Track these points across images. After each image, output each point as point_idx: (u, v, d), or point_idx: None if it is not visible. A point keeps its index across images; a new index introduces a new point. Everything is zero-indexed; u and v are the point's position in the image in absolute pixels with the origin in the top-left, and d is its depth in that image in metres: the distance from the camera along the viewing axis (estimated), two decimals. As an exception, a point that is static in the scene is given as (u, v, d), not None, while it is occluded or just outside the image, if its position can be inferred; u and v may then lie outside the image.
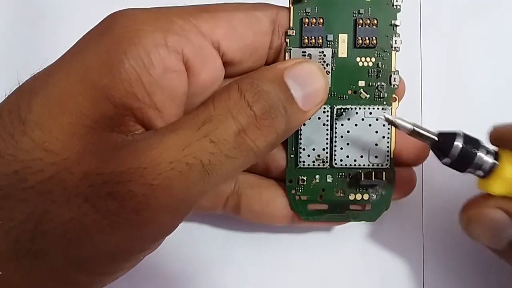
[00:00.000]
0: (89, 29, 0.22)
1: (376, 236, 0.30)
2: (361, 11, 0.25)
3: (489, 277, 0.29)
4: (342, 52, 0.25)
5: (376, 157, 0.26)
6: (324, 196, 0.26)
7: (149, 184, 0.19)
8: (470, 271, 0.28)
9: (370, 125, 0.25)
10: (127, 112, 0.20)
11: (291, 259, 0.30)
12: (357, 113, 0.25)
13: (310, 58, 0.25)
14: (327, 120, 0.25)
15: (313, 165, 0.26)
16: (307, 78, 0.22)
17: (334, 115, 0.25)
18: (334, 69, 0.25)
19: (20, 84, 0.21)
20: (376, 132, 0.25)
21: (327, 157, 0.26)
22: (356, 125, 0.25)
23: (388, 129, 0.25)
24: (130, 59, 0.20)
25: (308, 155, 0.26)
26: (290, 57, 0.25)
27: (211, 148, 0.20)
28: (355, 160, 0.26)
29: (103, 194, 0.18)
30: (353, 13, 0.25)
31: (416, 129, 0.23)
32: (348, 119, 0.25)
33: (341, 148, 0.26)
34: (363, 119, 0.25)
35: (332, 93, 0.26)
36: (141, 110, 0.20)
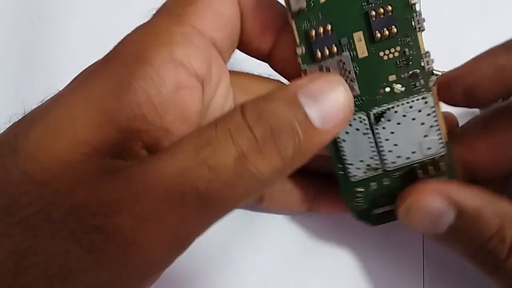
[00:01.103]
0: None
1: (376, 237, 0.29)
2: (370, 0, 0.22)
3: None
4: (362, 52, 0.22)
5: (429, 148, 0.24)
6: (385, 199, 0.25)
7: (139, 217, 0.17)
8: (470, 271, 0.27)
9: (413, 119, 0.23)
10: (134, 135, 0.19)
11: (291, 259, 0.30)
12: (396, 111, 0.23)
13: (330, 71, 0.23)
14: (367, 129, 0.23)
15: (366, 175, 0.24)
16: (325, 92, 0.20)
17: (373, 121, 0.23)
18: (358, 73, 0.23)
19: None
20: (422, 123, 0.23)
21: (377, 163, 0.24)
22: (398, 123, 0.23)
23: (434, 116, 0.23)
24: (139, 79, 0.19)
25: (358, 168, 0.24)
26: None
27: (209, 174, 0.18)
28: (408, 158, 0.24)
29: (88, 228, 0.17)
30: (362, 5, 0.22)
31: None
32: (389, 121, 0.23)
33: (390, 151, 0.24)
34: (404, 115, 0.23)
35: (363, 98, 0.23)
36: (149, 132, 0.19)
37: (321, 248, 0.30)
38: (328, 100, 0.20)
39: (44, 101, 0.20)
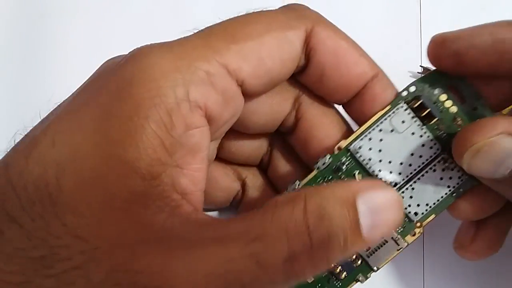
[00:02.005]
0: (104, 70, 0.20)
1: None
2: None
3: (489, 277, 0.29)
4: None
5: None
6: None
7: None
8: (471, 271, 0.28)
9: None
10: (157, 181, 0.19)
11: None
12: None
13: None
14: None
15: None
16: (383, 207, 0.19)
17: None
18: None
19: (30, 130, 0.20)
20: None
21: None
22: None
23: None
24: (151, 123, 0.19)
25: None
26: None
27: (256, 270, 0.17)
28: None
29: None
30: None
31: None
32: None
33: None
34: None
35: None
36: (166, 173, 0.19)
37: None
38: (382, 216, 0.19)
39: (50, 119, 0.20)
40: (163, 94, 0.19)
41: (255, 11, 0.22)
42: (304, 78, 0.23)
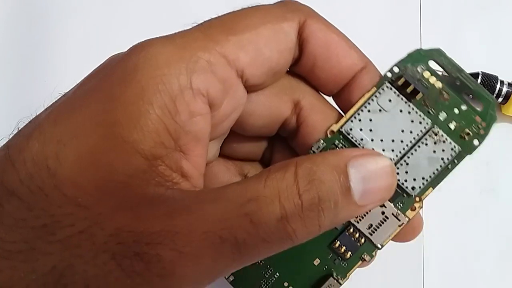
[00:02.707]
0: (109, 62, 0.21)
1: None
2: None
3: (489, 277, 0.29)
4: None
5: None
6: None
7: (179, 250, 0.18)
8: (471, 271, 0.28)
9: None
10: (158, 161, 0.20)
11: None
12: None
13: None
14: None
15: None
16: (374, 174, 0.21)
17: None
18: None
19: (34, 117, 0.20)
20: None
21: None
22: None
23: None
24: (156, 109, 0.19)
25: None
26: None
27: (250, 228, 0.19)
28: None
29: (130, 254, 0.18)
30: None
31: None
32: None
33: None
34: None
35: None
36: (168, 155, 0.20)
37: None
38: (374, 182, 0.21)
39: (54, 106, 0.20)
40: (167, 81, 0.20)
41: (251, 5, 0.23)
42: (297, 69, 0.24)
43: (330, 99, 0.25)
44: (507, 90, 0.36)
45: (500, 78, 0.35)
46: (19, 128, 0.21)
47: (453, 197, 0.33)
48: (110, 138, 0.19)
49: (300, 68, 0.24)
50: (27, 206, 0.18)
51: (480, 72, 0.35)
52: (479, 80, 0.35)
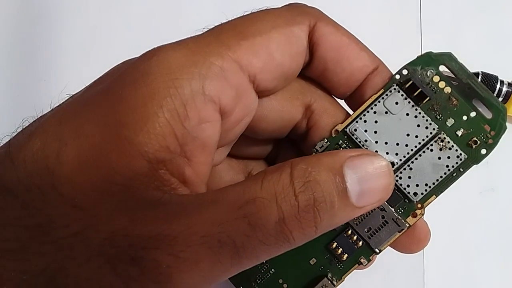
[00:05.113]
0: (121, 66, 0.21)
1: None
2: None
3: (489, 276, 0.29)
4: None
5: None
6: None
7: (176, 255, 0.18)
8: (471, 271, 0.28)
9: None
10: (160, 165, 0.19)
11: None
12: None
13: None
14: None
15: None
16: (371, 174, 0.20)
17: None
18: None
19: (39, 116, 0.20)
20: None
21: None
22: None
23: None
24: (165, 112, 0.19)
25: None
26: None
27: (248, 231, 0.18)
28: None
29: (126, 258, 0.18)
30: None
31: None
32: None
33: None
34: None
35: None
36: (172, 160, 0.20)
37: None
38: (371, 183, 0.20)
39: (60, 106, 0.20)
40: (179, 85, 0.19)
41: (261, 9, 0.23)
42: (309, 73, 0.24)
43: (342, 102, 0.25)
44: (507, 90, 0.36)
45: (500, 78, 0.35)
46: (23, 127, 0.20)
47: (453, 196, 0.32)
48: (114, 139, 0.19)
49: (311, 72, 0.24)
50: (22, 204, 0.18)
51: (480, 72, 0.35)
52: (479, 80, 0.35)
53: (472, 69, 0.32)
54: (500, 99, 0.36)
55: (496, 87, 0.35)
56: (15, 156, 0.19)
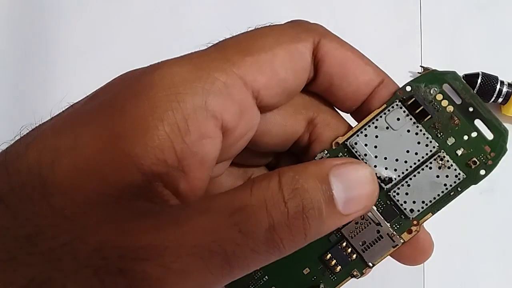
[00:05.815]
0: (124, 77, 0.21)
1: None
2: None
3: (488, 276, 0.29)
4: None
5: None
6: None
7: (167, 267, 0.17)
8: (471, 271, 0.28)
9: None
10: (155, 178, 0.19)
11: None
12: None
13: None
14: None
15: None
16: (355, 182, 0.21)
17: None
18: None
19: (38, 125, 0.20)
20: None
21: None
22: None
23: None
24: (166, 126, 0.19)
25: None
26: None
27: (239, 238, 0.18)
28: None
29: (114, 270, 0.17)
30: None
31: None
32: None
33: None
34: None
35: None
36: (168, 174, 0.20)
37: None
38: (356, 190, 0.21)
39: (60, 116, 0.20)
40: (181, 100, 0.19)
41: (265, 25, 0.23)
42: (313, 88, 0.24)
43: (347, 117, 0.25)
44: (507, 91, 0.36)
45: (500, 78, 0.35)
46: (21, 135, 0.20)
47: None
48: (110, 150, 0.19)
49: (316, 87, 0.24)
50: (12, 214, 0.18)
51: (480, 72, 0.35)
52: (479, 80, 0.35)
53: (472, 69, 0.32)
54: (500, 99, 0.36)
55: (496, 87, 0.35)
56: (10, 166, 0.19)
